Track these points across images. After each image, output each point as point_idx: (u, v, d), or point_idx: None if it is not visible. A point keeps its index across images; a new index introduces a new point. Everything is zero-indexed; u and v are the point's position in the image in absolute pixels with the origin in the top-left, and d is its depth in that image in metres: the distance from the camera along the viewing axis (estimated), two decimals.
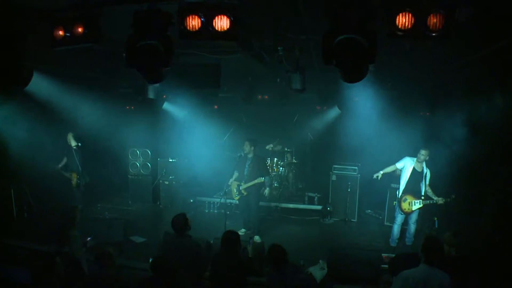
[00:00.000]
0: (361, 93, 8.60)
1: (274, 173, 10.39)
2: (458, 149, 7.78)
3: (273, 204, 10.00)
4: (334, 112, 9.73)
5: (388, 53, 6.82)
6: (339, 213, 9.67)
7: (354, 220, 9.60)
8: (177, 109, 10.48)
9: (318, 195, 10.07)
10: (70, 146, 8.84)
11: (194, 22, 3.73)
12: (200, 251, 5.63)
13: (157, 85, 7.27)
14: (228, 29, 3.79)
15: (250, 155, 8.28)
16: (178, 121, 10.93)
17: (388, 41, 5.31)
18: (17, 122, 8.42)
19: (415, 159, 7.53)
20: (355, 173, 9.56)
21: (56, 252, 5.27)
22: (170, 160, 10.53)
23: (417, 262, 4.30)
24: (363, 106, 8.79)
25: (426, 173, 7.49)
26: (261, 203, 9.91)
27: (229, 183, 8.42)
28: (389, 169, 7.85)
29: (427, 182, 7.51)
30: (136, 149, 10.61)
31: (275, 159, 10.45)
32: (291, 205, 10.07)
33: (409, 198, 7.54)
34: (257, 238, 8.05)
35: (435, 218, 8.23)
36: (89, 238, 6.48)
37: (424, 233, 8.58)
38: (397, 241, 7.89)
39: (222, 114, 11.30)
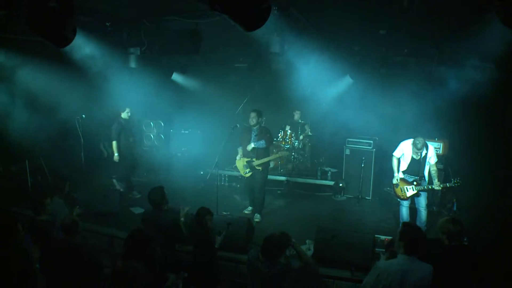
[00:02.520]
0: (374, 60, 7.85)
1: (288, 146, 9.94)
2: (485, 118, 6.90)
3: (284, 178, 9.61)
4: (346, 82, 8.99)
5: (391, 14, 6.12)
6: (352, 189, 9.10)
7: (368, 198, 8.99)
8: (187, 79, 10.22)
9: (333, 170, 9.51)
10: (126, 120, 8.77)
11: None
12: (176, 226, 5.45)
13: (138, 54, 7.02)
14: None
15: (256, 127, 7.60)
16: (190, 92, 10.69)
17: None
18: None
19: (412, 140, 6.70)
20: (370, 148, 8.87)
21: (32, 218, 5.36)
22: (183, 131, 10.38)
23: (420, 249, 3.82)
24: (377, 75, 8.01)
25: (425, 155, 6.67)
26: (273, 177, 9.67)
27: (237, 158, 7.93)
28: (395, 164, 7.04)
29: (433, 162, 6.72)
30: (150, 121, 10.56)
31: (289, 131, 9.94)
32: (303, 180, 9.60)
33: (401, 184, 6.84)
34: (257, 217, 7.74)
35: (454, 200, 7.47)
36: (77, 207, 6.56)
37: (443, 215, 7.97)
38: (425, 225, 6.97)
39: (236, 84, 10.92)
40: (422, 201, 6.86)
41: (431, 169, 6.74)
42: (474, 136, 8.03)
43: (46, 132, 8.79)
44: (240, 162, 7.86)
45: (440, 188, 6.65)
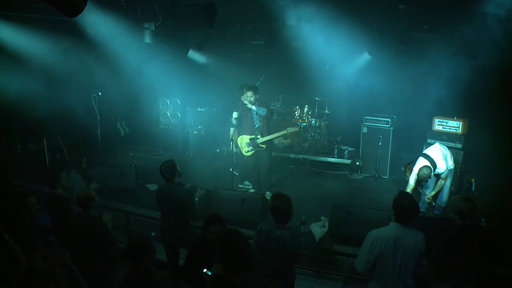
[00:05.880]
0: (394, 37, 7.62)
1: (305, 124, 9.85)
2: None
3: (301, 156, 9.57)
4: (364, 59, 8.80)
5: None
6: (369, 168, 8.99)
7: (385, 177, 8.85)
8: (203, 57, 10.15)
9: (349, 149, 9.41)
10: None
11: None
12: (190, 199, 5.38)
13: (153, 29, 6.97)
14: None
15: (255, 104, 7.29)
16: (207, 70, 10.63)
17: None
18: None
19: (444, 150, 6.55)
20: (387, 126, 8.69)
21: (50, 193, 5.45)
22: (199, 109, 10.36)
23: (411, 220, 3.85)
24: (396, 52, 7.79)
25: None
26: (289, 155, 9.76)
27: (238, 136, 7.68)
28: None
29: (439, 171, 6.47)
30: (166, 99, 10.55)
31: (306, 108, 9.83)
32: (319, 158, 9.53)
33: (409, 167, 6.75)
34: (268, 194, 7.58)
35: (472, 180, 7.33)
36: (94, 182, 6.64)
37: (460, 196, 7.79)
38: (427, 206, 6.91)
39: (253, 62, 10.80)
40: (447, 181, 6.73)
41: (435, 178, 6.57)
42: (494, 115, 7.83)
43: (63, 110, 8.89)
44: (242, 140, 7.59)
45: (427, 201, 6.55)
